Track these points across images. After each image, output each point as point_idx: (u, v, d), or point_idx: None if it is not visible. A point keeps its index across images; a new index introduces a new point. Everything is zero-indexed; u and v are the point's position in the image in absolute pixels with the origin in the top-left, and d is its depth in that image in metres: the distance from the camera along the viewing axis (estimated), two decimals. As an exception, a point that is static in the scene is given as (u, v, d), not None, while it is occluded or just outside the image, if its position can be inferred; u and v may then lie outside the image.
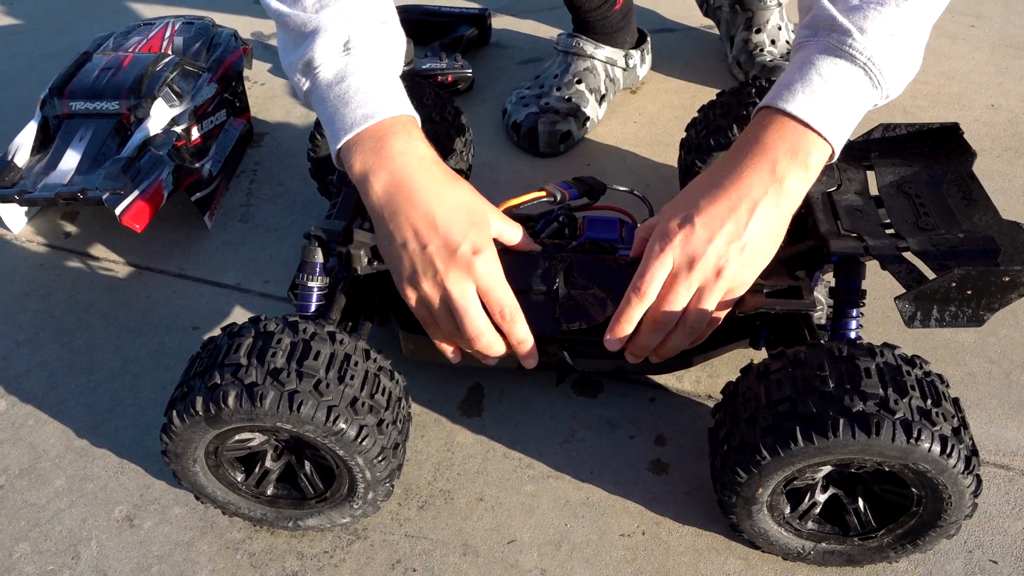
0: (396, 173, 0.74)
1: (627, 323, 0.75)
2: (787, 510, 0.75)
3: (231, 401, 0.70)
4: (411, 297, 0.77)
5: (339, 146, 0.77)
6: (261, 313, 1.00)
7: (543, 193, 0.91)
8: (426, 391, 0.97)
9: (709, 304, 0.74)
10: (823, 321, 0.87)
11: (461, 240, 0.73)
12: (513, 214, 0.97)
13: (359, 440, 0.72)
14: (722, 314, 0.76)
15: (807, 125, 0.71)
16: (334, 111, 0.77)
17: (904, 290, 0.73)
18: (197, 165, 1.18)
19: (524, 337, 0.78)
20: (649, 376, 0.97)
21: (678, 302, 0.74)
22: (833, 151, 0.73)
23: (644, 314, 0.76)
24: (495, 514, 0.85)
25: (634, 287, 0.74)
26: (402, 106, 0.78)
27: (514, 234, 0.83)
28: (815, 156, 0.71)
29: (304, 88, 0.80)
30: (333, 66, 0.77)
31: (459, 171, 1.08)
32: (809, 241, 0.82)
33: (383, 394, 0.75)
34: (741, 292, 0.75)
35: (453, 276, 0.73)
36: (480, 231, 0.75)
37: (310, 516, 0.82)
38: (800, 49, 0.75)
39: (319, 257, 0.86)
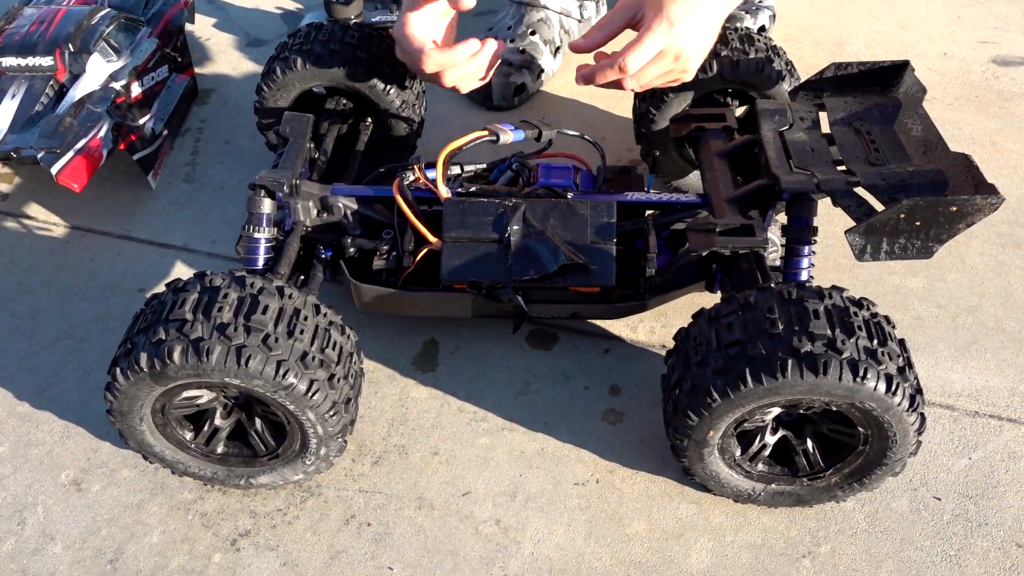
0: None
1: (601, 76, 0.84)
2: (738, 452, 0.77)
3: (176, 356, 0.69)
4: None
5: None
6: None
7: (485, 132, 0.90)
8: (379, 346, 0.97)
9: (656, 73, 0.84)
10: (778, 263, 0.88)
11: None
12: (469, 176, 0.96)
13: (309, 394, 0.72)
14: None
15: None
16: None
17: (854, 223, 0.74)
18: (139, 123, 1.16)
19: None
20: (603, 326, 0.98)
21: (647, 74, 0.83)
22: None
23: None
24: (450, 467, 0.86)
25: (623, 58, 0.81)
26: None
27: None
28: None
29: None
30: None
31: (411, 124, 1.07)
32: (761, 179, 0.83)
33: (334, 349, 0.75)
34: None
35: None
36: None
37: (262, 474, 0.82)
38: None
39: (266, 207, 0.85)
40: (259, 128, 1.10)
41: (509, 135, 0.91)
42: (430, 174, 0.89)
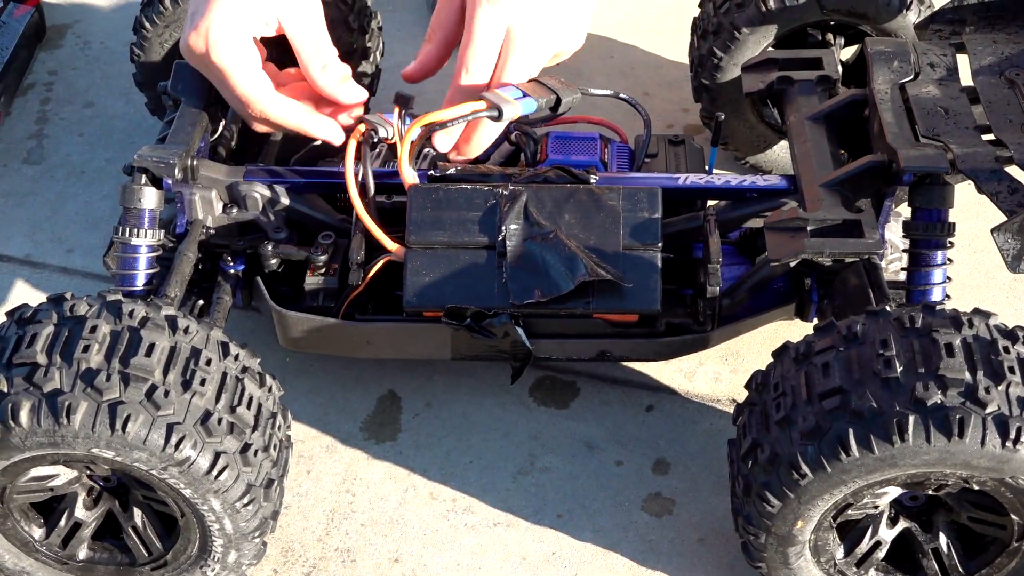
0: None
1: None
2: (839, 554, 0.81)
3: (24, 417, 0.73)
4: None
5: None
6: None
7: (483, 105, 0.92)
8: (315, 404, 1.00)
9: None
10: (900, 277, 0.91)
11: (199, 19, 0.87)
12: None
13: (214, 473, 0.75)
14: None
15: None
16: None
17: (1005, 218, 0.78)
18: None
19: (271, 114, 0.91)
20: (645, 372, 1.02)
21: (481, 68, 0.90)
22: None
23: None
24: (419, 580, 0.90)
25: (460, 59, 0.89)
26: None
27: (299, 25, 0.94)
28: None
29: None
30: None
31: (360, 76, 1.10)
32: (873, 155, 0.87)
33: (249, 407, 0.79)
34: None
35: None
36: None
37: (144, 590, 0.85)
38: None
39: (148, 201, 0.89)
40: (137, 83, 1.14)
41: (515, 107, 0.88)
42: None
